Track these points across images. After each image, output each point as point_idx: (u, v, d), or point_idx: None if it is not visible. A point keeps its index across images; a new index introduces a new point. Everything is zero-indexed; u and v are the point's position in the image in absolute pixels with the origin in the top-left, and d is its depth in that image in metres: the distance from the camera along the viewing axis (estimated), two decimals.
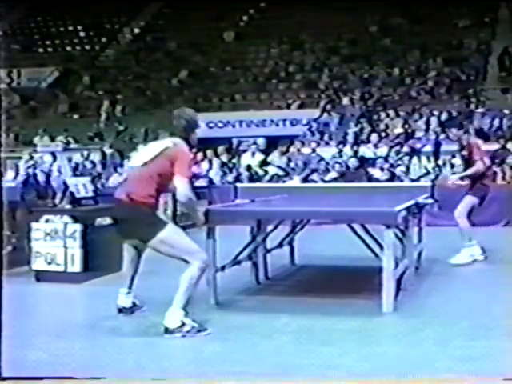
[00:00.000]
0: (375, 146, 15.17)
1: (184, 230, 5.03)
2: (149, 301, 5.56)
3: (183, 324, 4.62)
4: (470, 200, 7.86)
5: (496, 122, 16.14)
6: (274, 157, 15.58)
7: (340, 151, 15.21)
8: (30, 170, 14.76)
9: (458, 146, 8.12)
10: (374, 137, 15.62)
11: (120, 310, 5.25)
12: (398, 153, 14.56)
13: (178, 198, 4.82)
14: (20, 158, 16.93)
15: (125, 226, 4.98)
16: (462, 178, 8.04)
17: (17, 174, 15.53)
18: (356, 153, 15.00)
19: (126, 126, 20.97)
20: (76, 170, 15.75)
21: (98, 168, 16.12)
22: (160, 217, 4.92)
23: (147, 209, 4.79)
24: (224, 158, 16.00)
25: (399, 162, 14.03)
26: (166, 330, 4.61)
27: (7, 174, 14.85)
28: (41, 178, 8.99)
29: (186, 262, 4.73)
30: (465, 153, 7.93)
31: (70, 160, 16.53)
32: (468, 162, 7.90)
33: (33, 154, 17.49)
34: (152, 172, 4.82)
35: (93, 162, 16.50)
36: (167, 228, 4.79)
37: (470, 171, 7.78)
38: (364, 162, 14.21)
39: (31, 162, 16.55)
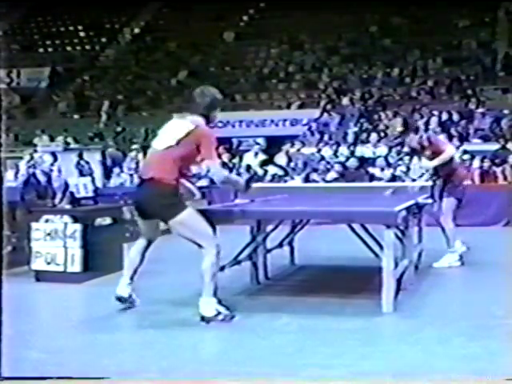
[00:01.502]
0: (374, 145, 15.16)
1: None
2: (149, 300, 5.57)
3: (219, 313, 4.86)
4: (449, 203, 7.74)
5: (496, 122, 16.13)
6: (280, 157, 15.56)
7: (336, 151, 15.21)
8: (30, 170, 14.74)
9: (420, 149, 7.99)
10: (373, 137, 15.61)
11: (119, 299, 5.26)
12: (398, 153, 14.55)
13: (216, 179, 5.16)
14: (20, 157, 16.89)
15: (147, 205, 5.04)
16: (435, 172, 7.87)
17: (17, 173, 15.52)
18: (353, 153, 14.99)
19: (125, 126, 20.97)
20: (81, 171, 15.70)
21: (97, 168, 16.09)
22: (181, 199, 5.06)
23: (171, 189, 4.93)
24: (224, 158, 15.99)
25: (399, 162, 14.02)
26: (203, 319, 4.83)
27: (7, 174, 14.84)
28: (41, 177, 8.97)
29: (199, 246, 4.93)
30: (428, 152, 7.76)
31: (80, 159, 16.42)
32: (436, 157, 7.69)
33: (33, 154, 17.46)
34: (176, 156, 4.92)
35: (88, 163, 16.44)
36: (188, 210, 4.97)
37: (443, 156, 7.60)
38: (364, 162, 14.21)
39: (31, 162, 16.52)
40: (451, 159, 7.92)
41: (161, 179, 4.92)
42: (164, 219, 5.04)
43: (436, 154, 7.72)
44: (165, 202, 4.93)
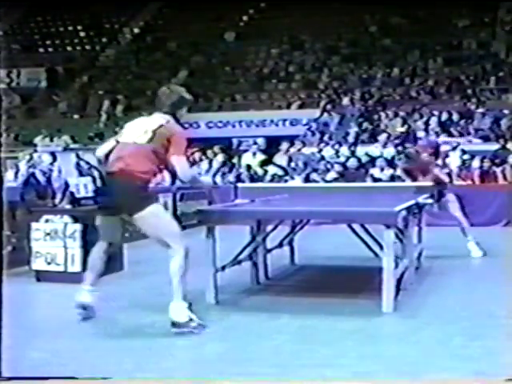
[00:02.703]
0: (384, 146, 15.14)
1: (184, 229, 5.04)
2: (148, 301, 5.57)
3: (191, 319, 4.62)
4: (453, 196, 8.62)
5: (496, 122, 16.13)
6: (280, 157, 15.56)
7: (337, 151, 15.21)
8: (30, 170, 14.75)
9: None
10: (383, 137, 15.59)
11: (81, 307, 5.04)
12: (399, 152, 14.55)
13: (181, 177, 4.87)
14: (16, 157, 16.87)
15: (115, 198, 4.82)
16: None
17: (17, 173, 15.52)
18: (353, 153, 14.99)
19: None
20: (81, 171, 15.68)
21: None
22: (151, 195, 4.93)
23: (140, 182, 4.77)
24: (223, 157, 16.00)
25: (398, 162, 14.01)
26: (174, 325, 4.60)
27: (7, 174, 14.84)
28: (40, 177, 8.99)
29: (167, 246, 4.72)
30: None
31: (79, 160, 16.40)
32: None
33: (33, 154, 17.47)
34: (147, 151, 4.79)
35: (88, 163, 16.42)
36: (155, 206, 4.81)
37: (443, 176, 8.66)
38: (368, 162, 14.21)
39: (31, 162, 16.52)
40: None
41: (131, 171, 4.75)
42: (129, 213, 4.79)
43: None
44: (132, 195, 4.74)
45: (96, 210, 5.25)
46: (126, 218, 4.91)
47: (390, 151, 14.88)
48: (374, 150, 15.12)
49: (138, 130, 4.93)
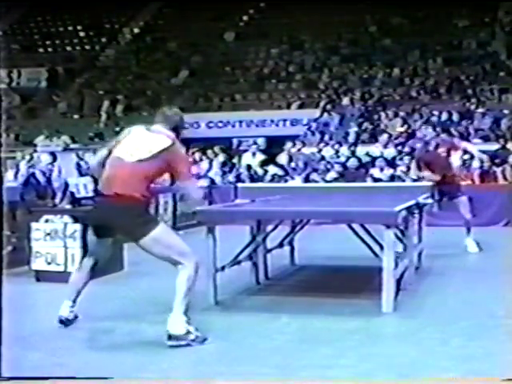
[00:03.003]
0: (384, 146, 15.13)
1: (178, 230, 5.03)
2: (148, 300, 5.57)
3: (188, 332, 4.42)
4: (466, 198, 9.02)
5: (496, 122, 16.13)
6: (280, 157, 15.54)
7: (337, 151, 15.21)
8: (30, 170, 14.75)
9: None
10: (384, 137, 15.58)
11: (61, 322, 4.85)
12: (399, 152, 14.56)
13: (195, 196, 4.83)
14: (14, 158, 16.86)
15: (113, 223, 4.60)
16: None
17: (17, 173, 15.52)
18: (353, 153, 14.99)
19: (125, 126, 20.95)
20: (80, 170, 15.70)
21: None
22: (152, 215, 4.90)
23: (141, 205, 4.58)
24: (223, 157, 16.00)
25: (398, 162, 14.02)
26: (170, 337, 4.39)
27: (7, 174, 14.84)
28: (40, 177, 8.98)
29: (175, 264, 4.55)
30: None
31: (80, 160, 16.40)
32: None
33: (33, 154, 17.48)
34: (149, 171, 4.57)
35: (88, 163, 16.43)
36: (160, 227, 4.63)
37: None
38: (368, 162, 14.22)
39: (31, 162, 16.53)
40: None
41: (131, 195, 4.49)
42: (135, 239, 4.57)
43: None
44: (135, 220, 4.52)
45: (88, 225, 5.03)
46: (124, 238, 4.85)
47: (390, 151, 14.88)
48: (375, 149, 15.12)
49: (140, 147, 4.62)
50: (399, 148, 14.89)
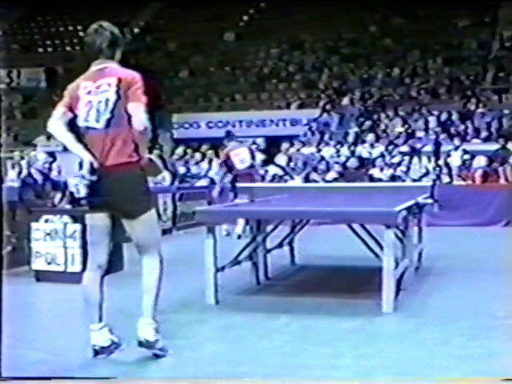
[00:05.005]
0: (371, 145, 15.14)
1: (178, 230, 4.93)
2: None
3: (157, 340, 4.07)
4: None
5: (496, 122, 16.13)
6: (280, 157, 15.54)
7: (337, 151, 15.22)
8: (26, 170, 14.73)
9: None
10: (370, 136, 15.59)
11: (96, 352, 4.07)
12: (397, 152, 14.56)
13: (135, 125, 3.94)
14: (11, 158, 16.84)
15: (115, 194, 4.02)
16: None
17: (20, 173, 15.51)
18: (353, 153, 14.99)
19: None
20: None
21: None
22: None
23: (138, 170, 4.04)
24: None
25: (393, 161, 14.02)
26: (142, 344, 4.05)
27: (10, 174, 14.85)
28: (37, 176, 8.96)
29: (145, 253, 4.13)
30: None
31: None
32: None
33: (30, 154, 17.46)
34: (123, 130, 4.00)
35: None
36: (153, 209, 4.21)
37: None
38: (364, 162, 14.22)
39: (29, 162, 16.50)
40: None
41: (122, 159, 4.00)
42: (134, 214, 4.06)
43: None
44: (137, 188, 4.06)
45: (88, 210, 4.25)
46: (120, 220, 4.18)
47: (379, 151, 14.86)
48: (363, 150, 15.11)
49: (98, 110, 4.05)
50: (397, 148, 14.88)
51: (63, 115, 4.20)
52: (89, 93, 4.11)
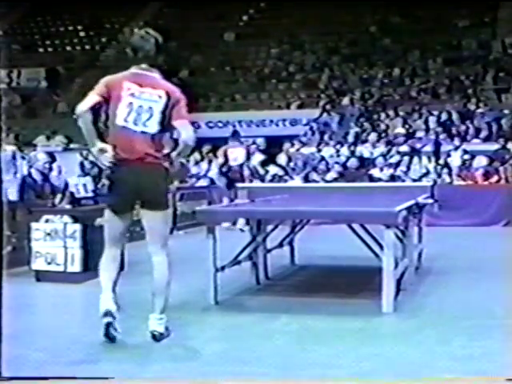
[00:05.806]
0: (373, 145, 15.15)
1: (179, 230, 4.95)
2: (148, 300, 5.55)
3: (167, 328, 4.39)
4: None
5: (496, 122, 16.13)
6: (280, 157, 15.54)
7: (337, 151, 15.22)
8: (26, 170, 14.73)
9: None
10: (372, 136, 15.61)
11: (107, 314, 4.46)
12: (397, 152, 14.56)
13: (188, 141, 4.26)
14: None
15: (143, 183, 4.28)
16: None
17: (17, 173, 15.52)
18: (353, 153, 14.99)
19: None
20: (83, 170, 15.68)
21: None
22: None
23: (163, 169, 4.34)
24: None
25: (393, 161, 14.02)
26: (156, 337, 4.35)
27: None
28: (37, 176, 8.95)
29: (158, 248, 4.38)
30: None
31: (84, 159, 16.36)
32: None
33: (31, 154, 17.46)
34: (160, 137, 4.34)
35: (92, 163, 16.44)
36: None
37: None
38: (364, 162, 14.23)
39: (29, 162, 16.50)
40: None
41: (152, 158, 4.29)
42: (158, 207, 4.34)
43: None
44: (163, 186, 4.37)
45: (104, 206, 4.64)
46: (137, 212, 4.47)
47: (380, 151, 14.86)
48: (364, 150, 15.12)
49: (139, 112, 4.35)
50: (396, 148, 14.88)
51: (95, 103, 4.52)
52: (132, 95, 4.41)
